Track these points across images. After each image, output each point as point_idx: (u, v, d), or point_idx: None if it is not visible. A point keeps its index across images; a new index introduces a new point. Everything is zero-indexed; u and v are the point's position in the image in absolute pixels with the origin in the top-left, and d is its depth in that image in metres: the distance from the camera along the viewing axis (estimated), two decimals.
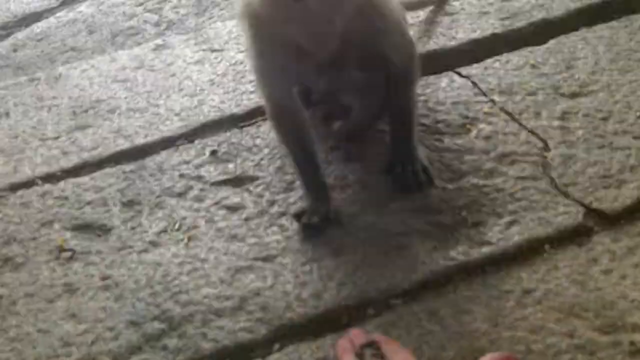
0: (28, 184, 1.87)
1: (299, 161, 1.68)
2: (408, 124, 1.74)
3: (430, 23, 2.23)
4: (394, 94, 1.74)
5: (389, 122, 1.78)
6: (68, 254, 1.62)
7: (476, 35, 2.15)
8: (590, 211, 1.58)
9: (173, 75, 2.21)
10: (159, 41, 2.39)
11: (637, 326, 1.31)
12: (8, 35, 2.67)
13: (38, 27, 2.68)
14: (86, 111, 2.12)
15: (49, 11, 2.77)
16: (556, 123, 1.83)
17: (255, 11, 1.57)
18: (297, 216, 1.62)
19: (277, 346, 1.36)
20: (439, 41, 2.15)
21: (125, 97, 2.15)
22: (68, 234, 1.68)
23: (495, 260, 1.49)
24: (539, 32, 2.15)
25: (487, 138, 1.81)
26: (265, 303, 1.44)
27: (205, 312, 1.44)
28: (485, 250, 1.51)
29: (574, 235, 1.53)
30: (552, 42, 2.09)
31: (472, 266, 1.48)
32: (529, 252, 1.50)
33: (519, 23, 2.18)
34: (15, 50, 2.56)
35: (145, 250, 1.61)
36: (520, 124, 1.84)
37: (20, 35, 2.65)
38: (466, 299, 1.41)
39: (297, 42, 1.57)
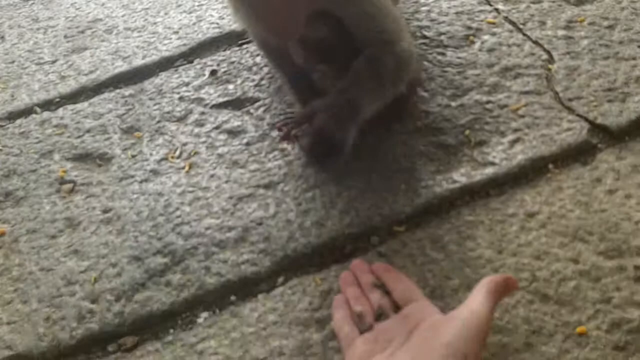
0: (26, 111, 1.77)
1: (298, 86, 1.53)
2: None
3: None
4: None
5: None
6: (69, 185, 1.53)
7: None
8: (594, 127, 1.47)
9: None
10: None
11: None
12: None
13: None
14: (83, 32, 2.00)
15: None
16: (561, 33, 1.71)
17: None
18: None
19: (281, 279, 1.29)
20: None
21: (123, 16, 2.03)
22: (68, 165, 1.59)
23: (498, 182, 1.40)
24: None
25: (491, 50, 1.69)
26: (268, 233, 1.36)
27: (208, 244, 1.36)
28: (489, 171, 1.41)
29: (577, 154, 1.43)
30: None
31: (476, 189, 1.39)
32: (532, 172, 1.41)
33: None
34: None
35: (147, 180, 1.52)
36: (525, 34, 1.72)
37: None
38: (469, 224, 1.32)
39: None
